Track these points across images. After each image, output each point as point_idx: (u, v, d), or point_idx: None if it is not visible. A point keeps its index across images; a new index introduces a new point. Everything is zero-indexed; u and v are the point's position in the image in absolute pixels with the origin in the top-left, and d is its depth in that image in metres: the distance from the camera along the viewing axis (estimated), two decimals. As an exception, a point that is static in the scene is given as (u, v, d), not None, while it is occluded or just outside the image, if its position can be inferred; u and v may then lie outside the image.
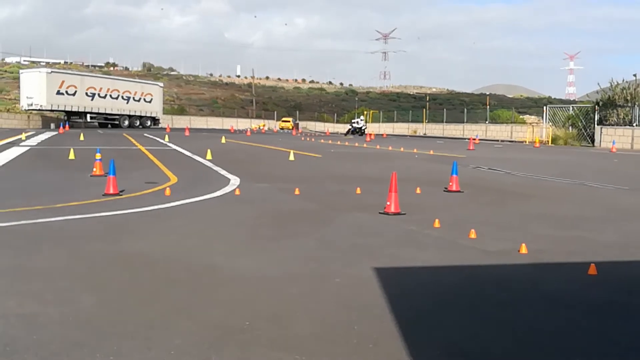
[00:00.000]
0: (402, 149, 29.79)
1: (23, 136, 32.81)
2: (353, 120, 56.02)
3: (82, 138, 31.56)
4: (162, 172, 15.91)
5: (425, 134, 62.61)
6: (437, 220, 8.55)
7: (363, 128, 53.30)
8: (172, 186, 12.38)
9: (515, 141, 46.48)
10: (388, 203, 9.53)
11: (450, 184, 12.68)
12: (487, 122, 57.38)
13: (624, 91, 39.55)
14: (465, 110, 64.74)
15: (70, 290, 5.17)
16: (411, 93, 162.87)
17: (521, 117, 68.40)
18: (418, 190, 12.32)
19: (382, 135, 58.42)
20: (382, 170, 17.16)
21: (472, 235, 7.71)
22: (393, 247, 7.19)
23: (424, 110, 68.49)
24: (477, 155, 25.92)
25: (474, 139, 40.05)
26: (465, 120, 59.84)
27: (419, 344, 4.05)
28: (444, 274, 6.04)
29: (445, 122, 62.64)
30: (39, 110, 55.44)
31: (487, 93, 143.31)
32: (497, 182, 15.11)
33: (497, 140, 47.39)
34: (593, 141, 39.91)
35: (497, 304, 5.01)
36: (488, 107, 60.90)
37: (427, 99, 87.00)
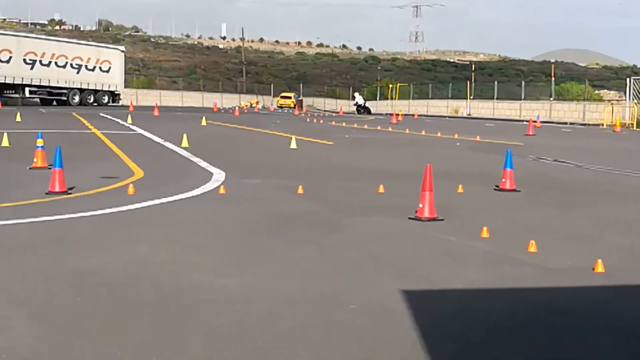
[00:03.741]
0: (439, 134, 29.73)
1: (-58, 116, 32.97)
2: (356, 99, 70.83)
3: (18, 119, 31.68)
4: (123, 163, 15.97)
5: (469, 114, 62.42)
6: (484, 229, 8.55)
7: (364, 104, 68.36)
8: (137, 182, 12.43)
9: (589, 124, 46.30)
10: (420, 205, 9.54)
11: (503, 180, 12.66)
12: (551, 99, 57.10)
13: None
14: (523, 83, 64.36)
15: (6, 318, 5.22)
16: (451, 60, 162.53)
17: (597, 92, 67.98)
18: (460, 189, 12.32)
19: (413, 115, 58.28)
20: (412, 163, 17.15)
21: (531, 248, 7.71)
22: (427, 262, 7.21)
23: (468, 83, 68.26)
24: (538, 143, 25.84)
25: (535, 122, 39.90)
26: (522, 97, 59.55)
27: (459, 390, 4.07)
28: (494, 299, 6.05)
29: (497, 98, 62.35)
30: (-39, 82, 55.57)
31: (552, 61, 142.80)
32: (565, 178, 15.07)
33: (565, 123, 47.21)
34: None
35: (563, 337, 5.02)
36: (553, 79, 60.59)
37: (473, 69, 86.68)
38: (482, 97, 66.70)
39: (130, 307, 5.49)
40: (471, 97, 65.74)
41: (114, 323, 5.12)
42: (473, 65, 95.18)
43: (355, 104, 70.84)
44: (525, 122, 39.46)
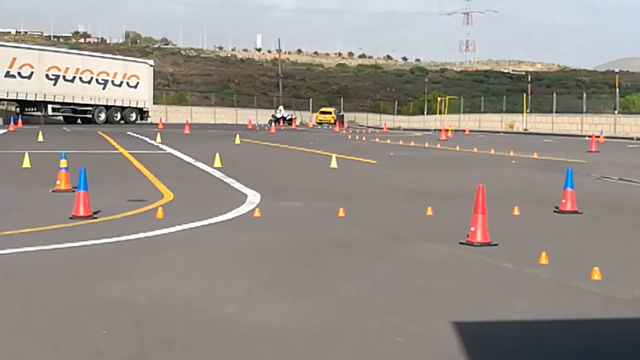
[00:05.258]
0: (492, 152, 29.57)
1: (-39, 136, 33.60)
2: (282, 112, 78.67)
3: (40, 138, 32.17)
4: (152, 185, 16.10)
5: (526, 129, 62.03)
6: (543, 254, 8.45)
7: (287, 117, 76.44)
8: (166, 205, 12.51)
9: (659, 139, 45.72)
10: (472, 229, 9.46)
11: (564, 201, 12.53)
12: (616, 112, 56.51)
13: None
14: (585, 95, 63.86)
15: (24, 351, 5.26)
16: (505, 71, 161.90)
17: (667, 104, 67.19)
18: (516, 211, 12.21)
19: (464, 131, 58.08)
20: (463, 182, 17.05)
21: (596, 275, 7.59)
22: (480, 292, 7.14)
23: (524, 95, 67.88)
24: (602, 160, 25.57)
25: (598, 137, 39.51)
26: (584, 110, 59.04)
27: None
28: (555, 333, 5.96)
29: (556, 112, 61.91)
30: (-19, 99, 56.55)
31: (616, 70, 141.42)
32: (632, 199, 14.88)
33: (632, 139, 46.67)
34: None
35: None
36: (618, 90, 59.99)
37: (529, 80, 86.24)
38: (540, 110, 66.26)
39: (158, 342, 5.49)
40: (528, 111, 65.32)
41: (140, 357, 5.12)
42: (529, 76, 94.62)
43: (273, 116, 77.94)
44: (587, 138, 39.07)
